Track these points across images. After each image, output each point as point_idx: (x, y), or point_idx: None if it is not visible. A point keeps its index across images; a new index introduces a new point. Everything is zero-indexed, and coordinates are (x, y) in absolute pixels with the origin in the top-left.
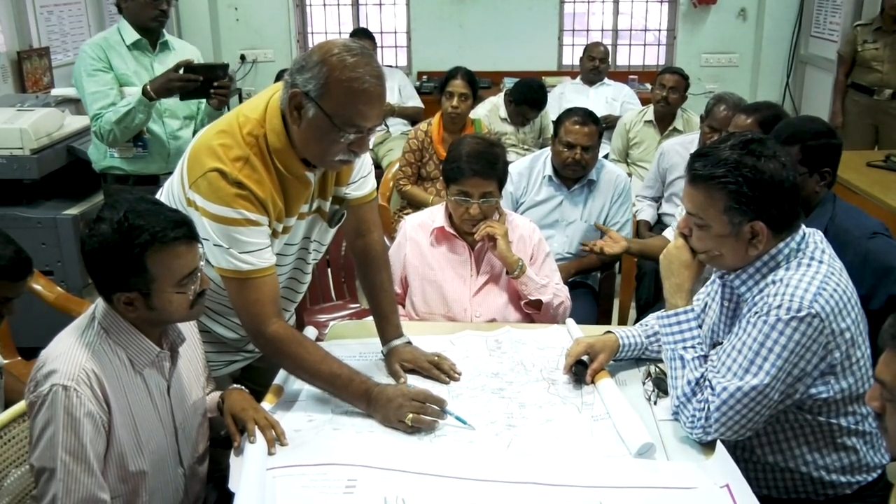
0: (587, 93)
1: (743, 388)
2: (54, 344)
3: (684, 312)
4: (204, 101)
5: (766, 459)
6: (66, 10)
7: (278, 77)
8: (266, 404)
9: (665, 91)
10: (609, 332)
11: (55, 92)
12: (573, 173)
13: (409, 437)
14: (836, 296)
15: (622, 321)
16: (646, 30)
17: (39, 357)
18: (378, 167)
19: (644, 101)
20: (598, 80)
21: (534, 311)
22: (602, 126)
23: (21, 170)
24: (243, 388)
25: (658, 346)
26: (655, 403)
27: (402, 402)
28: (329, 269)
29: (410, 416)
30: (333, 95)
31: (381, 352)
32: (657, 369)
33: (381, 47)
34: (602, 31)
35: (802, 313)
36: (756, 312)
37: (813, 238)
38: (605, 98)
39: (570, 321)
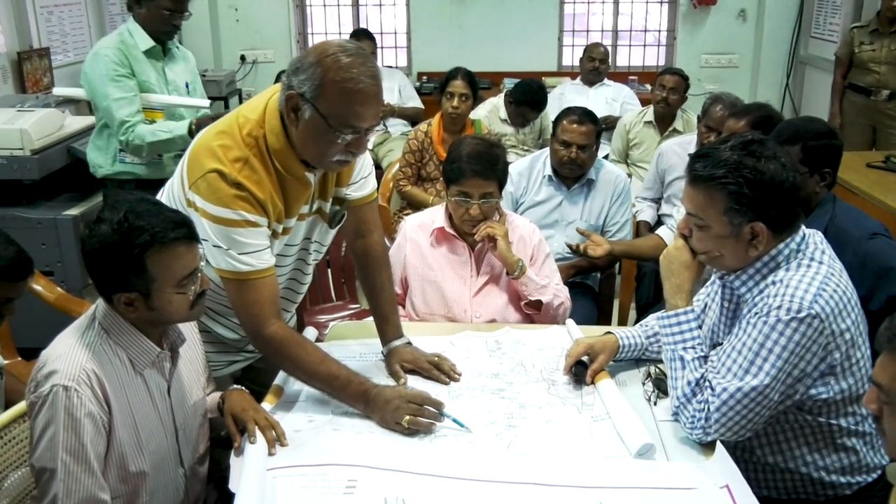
0: (587, 93)
1: (743, 389)
2: (55, 344)
3: (684, 313)
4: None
5: (766, 460)
6: (66, 10)
7: (278, 78)
8: (266, 405)
9: (665, 92)
10: (609, 332)
11: (57, 91)
12: (570, 172)
13: (409, 438)
14: (836, 296)
15: (622, 322)
16: (646, 30)
17: (40, 357)
18: (378, 168)
19: (644, 102)
20: (598, 80)
21: (534, 312)
22: (600, 125)
23: (21, 170)
24: (243, 388)
25: (658, 346)
26: (655, 404)
27: (400, 403)
28: (329, 270)
29: (407, 417)
30: (328, 97)
31: (382, 352)
32: (657, 370)
33: (381, 48)
34: (602, 31)
35: (802, 314)
36: (756, 313)
37: (813, 239)
38: (605, 99)
39: (570, 322)
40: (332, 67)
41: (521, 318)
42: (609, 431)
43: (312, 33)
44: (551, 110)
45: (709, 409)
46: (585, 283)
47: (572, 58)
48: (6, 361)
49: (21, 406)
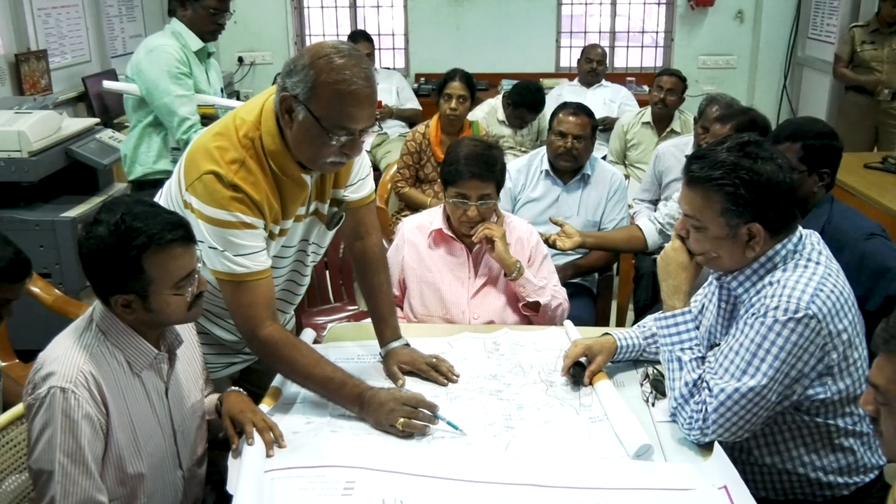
0: (585, 94)
1: (740, 390)
2: (52, 346)
3: (682, 314)
4: None
5: (763, 461)
6: (63, 12)
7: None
8: (264, 406)
9: (662, 93)
10: (607, 333)
11: (107, 84)
12: (566, 163)
13: (407, 440)
14: (833, 297)
15: (620, 323)
16: (643, 32)
17: (37, 359)
18: (376, 169)
19: (642, 103)
20: (596, 81)
21: (532, 313)
22: (595, 120)
23: (19, 172)
24: (241, 390)
25: (656, 347)
26: (653, 405)
27: (394, 406)
28: (327, 272)
29: (402, 420)
30: (321, 98)
31: (380, 354)
32: (655, 371)
33: (379, 49)
34: (600, 32)
35: (799, 314)
36: (753, 314)
37: (810, 239)
38: (603, 100)
39: (568, 323)
40: (325, 69)
41: (519, 320)
42: (607, 432)
43: (310, 35)
44: (548, 111)
45: (706, 409)
46: (583, 284)
47: (570, 59)
48: (4, 364)
49: (18, 408)
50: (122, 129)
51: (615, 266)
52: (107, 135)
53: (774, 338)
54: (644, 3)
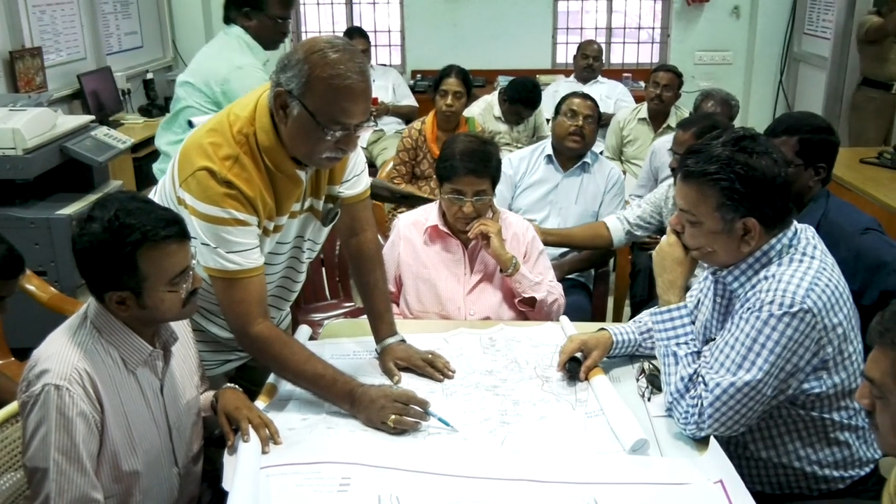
0: (581, 90)
1: (736, 384)
2: (46, 343)
3: (677, 309)
4: None
5: (759, 455)
6: (58, 9)
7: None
8: (260, 403)
9: (659, 89)
10: (603, 328)
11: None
12: (574, 144)
13: (400, 436)
14: (828, 291)
15: (616, 319)
16: (639, 28)
17: (31, 357)
18: (372, 166)
19: (638, 99)
20: (592, 77)
21: (528, 309)
22: (599, 111)
23: (14, 170)
24: (237, 387)
25: (652, 342)
26: (649, 400)
27: (385, 403)
28: (323, 268)
29: (393, 417)
30: (316, 93)
31: (375, 350)
32: (651, 366)
33: (375, 46)
34: (596, 29)
35: (795, 309)
36: (748, 308)
37: (805, 234)
38: (599, 96)
39: (564, 318)
40: (320, 64)
41: (515, 316)
42: (603, 427)
43: (306, 31)
44: (545, 108)
45: (702, 404)
46: (580, 280)
47: (566, 55)
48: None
49: (13, 406)
50: (117, 127)
51: (611, 262)
52: (102, 132)
53: (770, 332)
54: None
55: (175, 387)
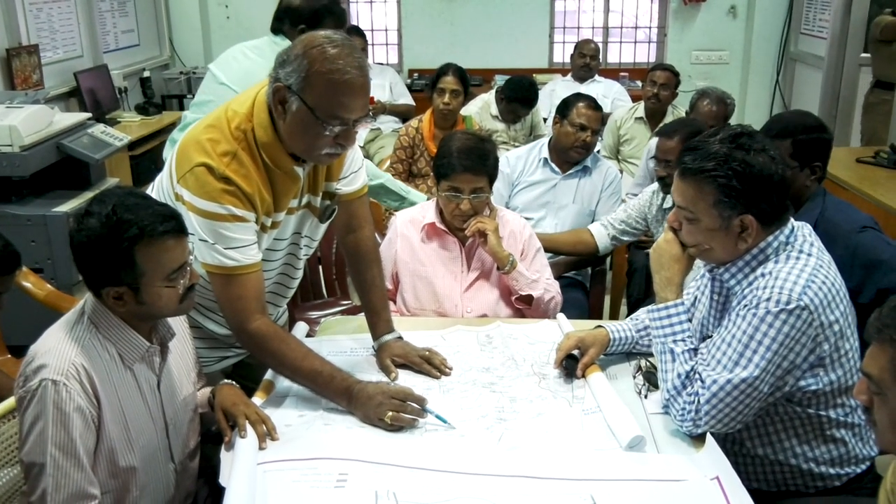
0: (578, 90)
1: (733, 381)
2: (43, 339)
3: (674, 306)
4: None
5: (755, 452)
6: (55, 7)
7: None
8: (257, 399)
9: (656, 88)
10: (599, 326)
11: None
12: (579, 155)
13: (399, 432)
14: (824, 288)
15: (613, 317)
16: (636, 27)
17: (29, 352)
18: None
19: (635, 98)
20: (589, 77)
21: (525, 307)
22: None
23: (11, 167)
24: (234, 383)
25: (648, 340)
26: (646, 397)
27: (382, 399)
28: (321, 267)
29: (390, 414)
30: (315, 88)
31: (373, 347)
32: (648, 363)
33: (373, 45)
34: (593, 28)
35: (791, 306)
36: (745, 305)
37: (802, 231)
38: (596, 95)
39: (561, 316)
40: (319, 58)
41: (512, 313)
42: (600, 424)
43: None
44: (542, 107)
45: (699, 401)
46: (577, 278)
47: (563, 54)
48: None
49: (10, 402)
50: (113, 125)
51: (608, 260)
52: (99, 129)
53: (767, 329)
54: None
55: (172, 383)
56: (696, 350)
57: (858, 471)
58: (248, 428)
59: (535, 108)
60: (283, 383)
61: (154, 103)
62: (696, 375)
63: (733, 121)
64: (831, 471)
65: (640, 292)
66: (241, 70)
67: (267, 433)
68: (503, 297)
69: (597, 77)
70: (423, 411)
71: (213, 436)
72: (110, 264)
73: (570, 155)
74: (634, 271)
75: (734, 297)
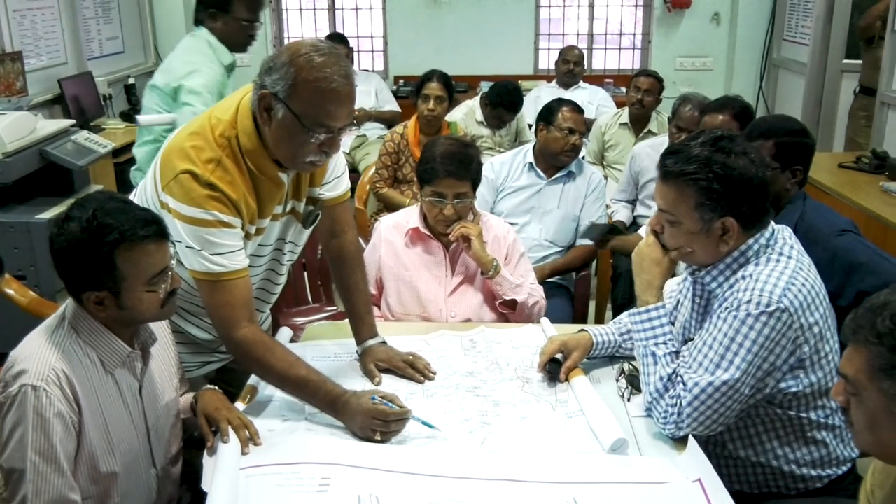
0: (563, 96)
1: (714, 384)
2: (24, 344)
3: (655, 309)
4: None
5: (737, 454)
6: (39, 14)
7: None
8: (240, 404)
9: (640, 94)
10: (583, 330)
11: (141, 119)
12: (569, 159)
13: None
14: (804, 291)
15: (598, 322)
16: (621, 34)
17: (9, 358)
18: (355, 171)
19: (619, 104)
20: (574, 83)
21: (509, 311)
22: None
23: None
24: (217, 388)
25: (631, 343)
26: (629, 400)
27: (363, 422)
28: (306, 272)
29: (377, 436)
30: (301, 96)
31: (356, 352)
32: (630, 367)
33: (358, 52)
34: (578, 35)
35: (771, 308)
36: (726, 308)
37: (782, 234)
38: (581, 101)
39: (545, 320)
40: (305, 67)
41: (496, 318)
42: (583, 428)
43: (289, 37)
44: (527, 112)
45: (681, 404)
46: (561, 283)
47: (548, 61)
48: None
49: None
50: (98, 132)
51: (593, 265)
52: (82, 136)
53: (747, 331)
54: (621, 6)
55: (154, 388)
56: (677, 353)
57: (839, 472)
58: (231, 433)
59: (520, 114)
60: (266, 388)
61: (139, 111)
62: (678, 378)
63: None
64: (812, 472)
65: (624, 297)
66: (162, 65)
67: (249, 438)
68: (487, 301)
69: (581, 83)
70: (410, 420)
71: (195, 441)
72: (91, 269)
73: (560, 159)
74: (619, 276)
75: (715, 299)
